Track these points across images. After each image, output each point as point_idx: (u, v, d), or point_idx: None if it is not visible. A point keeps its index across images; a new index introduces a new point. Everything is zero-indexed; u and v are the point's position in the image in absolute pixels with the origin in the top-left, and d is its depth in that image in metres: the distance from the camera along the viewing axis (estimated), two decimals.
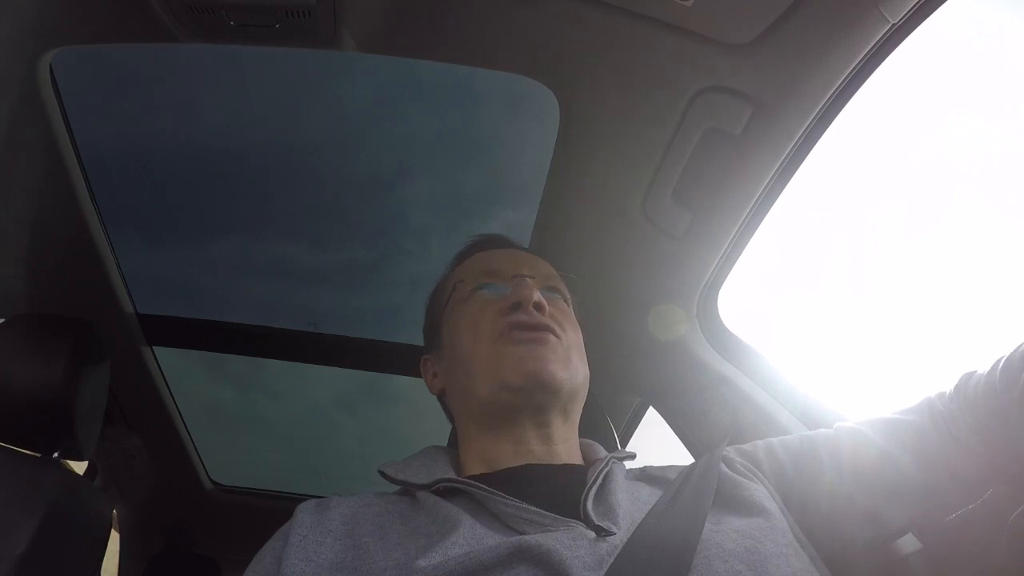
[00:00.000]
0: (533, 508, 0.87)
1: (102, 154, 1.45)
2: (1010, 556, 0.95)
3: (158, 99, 1.58)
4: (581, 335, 1.16)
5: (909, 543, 1.05)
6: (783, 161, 1.17)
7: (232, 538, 2.33)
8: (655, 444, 1.78)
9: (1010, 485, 0.93)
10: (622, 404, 1.80)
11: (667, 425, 1.63)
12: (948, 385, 1.00)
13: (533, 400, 1.03)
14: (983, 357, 0.95)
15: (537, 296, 1.09)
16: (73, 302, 1.61)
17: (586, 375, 1.12)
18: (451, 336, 1.15)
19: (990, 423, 0.91)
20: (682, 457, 1.53)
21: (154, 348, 1.89)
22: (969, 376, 0.96)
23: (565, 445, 1.06)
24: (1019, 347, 0.89)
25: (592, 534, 0.83)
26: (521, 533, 0.84)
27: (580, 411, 1.13)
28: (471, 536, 0.83)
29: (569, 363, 1.07)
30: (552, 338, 1.06)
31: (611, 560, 0.79)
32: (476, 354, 1.08)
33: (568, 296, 1.21)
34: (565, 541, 0.80)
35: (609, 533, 0.84)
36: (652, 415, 1.74)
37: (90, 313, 1.60)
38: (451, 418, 1.22)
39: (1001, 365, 0.91)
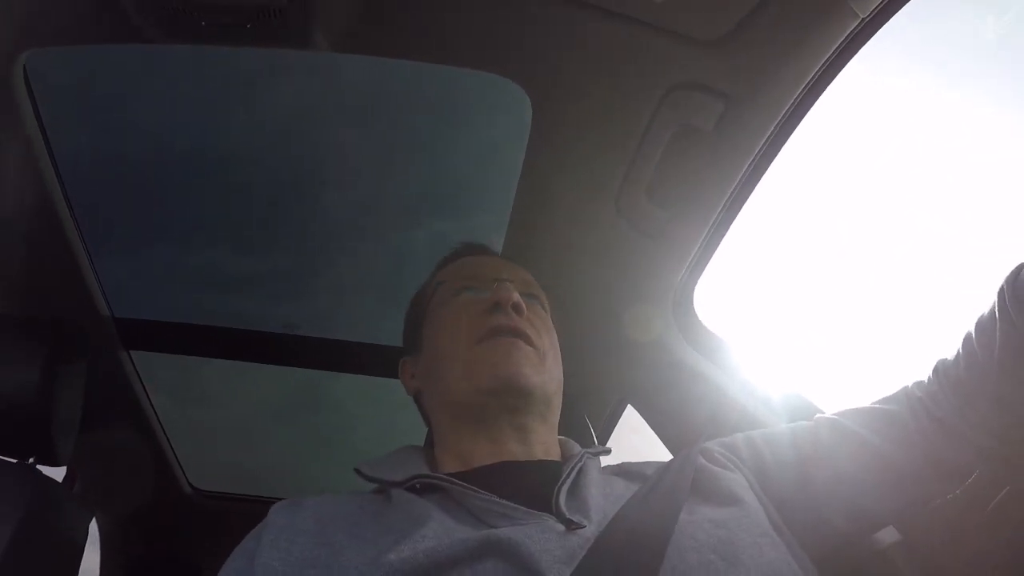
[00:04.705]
0: (504, 502, 0.88)
1: (76, 156, 1.44)
2: (990, 544, 0.96)
3: (132, 101, 1.57)
4: (557, 341, 1.17)
5: (889, 534, 1.06)
6: (755, 156, 1.17)
7: (213, 543, 2.29)
8: (637, 443, 1.79)
9: (993, 469, 0.94)
10: (600, 403, 1.80)
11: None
12: (925, 374, 1.00)
13: (507, 404, 1.04)
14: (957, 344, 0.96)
15: (516, 298, 1.10)
16: (49, 306, 1.60)
17: (560, 380, 1.14)
18: (430, 337, 1.17)
19: (971, 395, 0.91)
20: (663, 455, 1.53)
21: (131, 352, 1.87)
22: (944, 359, 0.97)
23: (544, 447, 1.07)
24: (985, 310, 0.89)
25: (562, 527, 0.84)
26: (492, 527, 0.84)
27: (558, 414, 1.14)
28: (441, 530, 0.83)
29: (543, 368, 1.08)
30: (527, 344, 1.08)
31: (583, 553, 0.80)
32: (454, 355, 1.09)
33: (545, 303, 1.23)
34: (534, 535, 0.81)
35: (579, 526, 0.84)
36: (633, 415, 1.74)
37: (66, 317, 1.58)
38: (427, 420, 1.22)
39: (974, 330, 0.91)
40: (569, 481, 0.93)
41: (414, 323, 1.25)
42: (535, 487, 0.92)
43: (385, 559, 0.78)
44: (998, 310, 0.86)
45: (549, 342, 1.14)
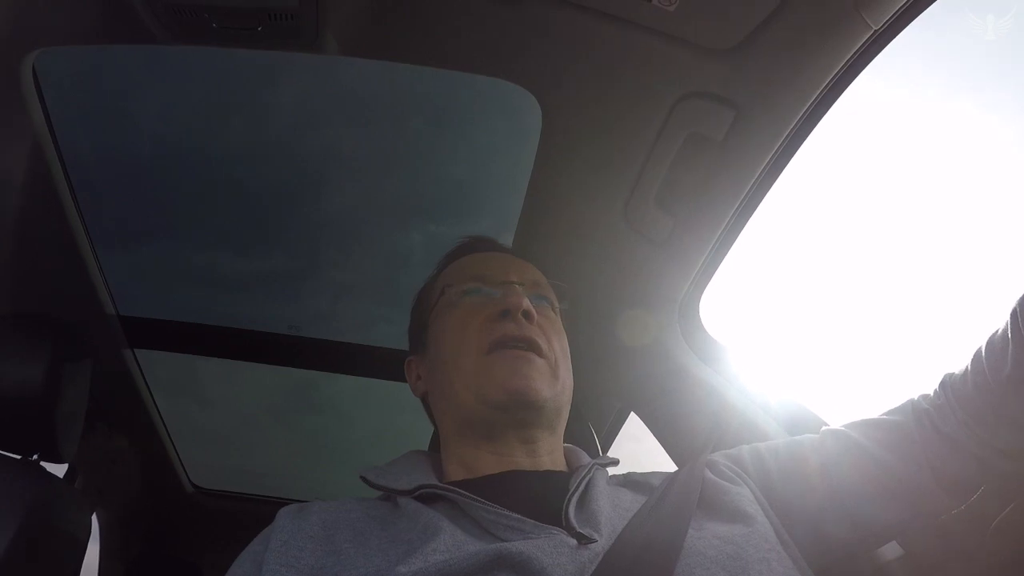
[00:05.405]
0: (514, 515, 0.87)
1: (84, 155, 1.44)
2: (993, 560, 0.96)
3: (139, 101, 1.57)
4: (567, 344, 1.15)
5: (892, 550, 1.06)
6: (765, 166, 1.17)
7: (213, 542, 2.33)
8: (635, 449, 1.78)
9: (998, 486, 0.93)
10: (603, 409, 1.80)
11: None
12: (931, 387, 0.99)
13: (516, 417, 1.03)
14: (965, 359, 0.95)
15: (526, 304, 1.07)
16: (55, 303, 1.60)
17: (570, 387, 1.11)
18: (437, 341, 1.14)
19: (979, 412, 0.90)
20: (665, 463, 1.53)
21: (135, 350, 1.87)
22: (952, 373, 0.96)
23: (550, 456, 1.06)
24: (997, 330, 0.88)
25: (573, 541, 0.83)
26: (502, 540, 0.83)
27: (565, 423, 1.12)
28: (451, 543, 0.82)
29: (555, 380, 1.06)
30: (538, 356, 1.05)
31: (593, 568, 0.79)
32: (461, 364, 1.07)
33: (556, 304, 1.20)
34: (546, 548, 0.80)
35: (590, 540, 0.83)
36: (632, 421, 1.73)
37: (72, 314, 1.59)
38: (434, 421, 1.21)
39: (984, 349, 0.90)
40: (578, 493, 0.92)
41: (419, 323, 1.22)
42: (543, 499, 0.92)
43: (395, 572, 0.77)
44: (1011, 332, 0.85)
45: (560, 348, 1.11)
